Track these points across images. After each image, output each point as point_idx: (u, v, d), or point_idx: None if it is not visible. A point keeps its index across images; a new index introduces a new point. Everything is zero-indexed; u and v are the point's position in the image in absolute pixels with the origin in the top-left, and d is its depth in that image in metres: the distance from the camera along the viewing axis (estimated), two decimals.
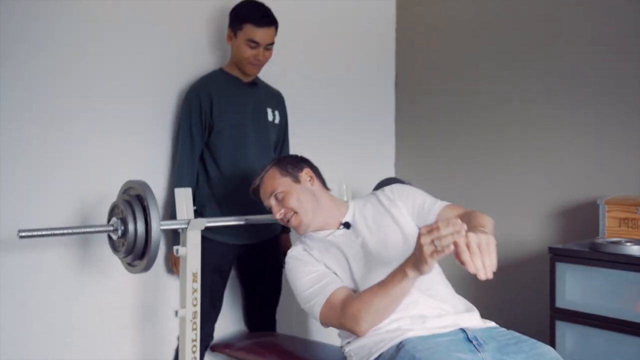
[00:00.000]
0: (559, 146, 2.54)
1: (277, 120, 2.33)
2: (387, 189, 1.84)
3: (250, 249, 2.26)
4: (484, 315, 1.65)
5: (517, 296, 2.65)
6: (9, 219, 1.87)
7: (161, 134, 2.26)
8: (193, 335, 1.81)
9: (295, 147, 2.51)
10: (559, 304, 2.11)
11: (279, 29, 2.20)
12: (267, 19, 2.14)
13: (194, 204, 2.16)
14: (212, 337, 2.25)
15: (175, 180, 2.15)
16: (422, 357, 1.37)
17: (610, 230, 2.18)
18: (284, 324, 2.44)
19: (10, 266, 1.91)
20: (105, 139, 2.11)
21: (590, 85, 2.45)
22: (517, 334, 1.54)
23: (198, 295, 1.81)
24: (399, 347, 1.45)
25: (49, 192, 1.98)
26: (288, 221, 1.75)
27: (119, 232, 1.67)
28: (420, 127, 3.08)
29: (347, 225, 1.75)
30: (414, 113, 3.11)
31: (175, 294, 1.92)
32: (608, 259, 2.00)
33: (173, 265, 2.21)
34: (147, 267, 1.68)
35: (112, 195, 1.81)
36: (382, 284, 1.47)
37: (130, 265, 1.76)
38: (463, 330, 1.50)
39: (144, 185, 1.67)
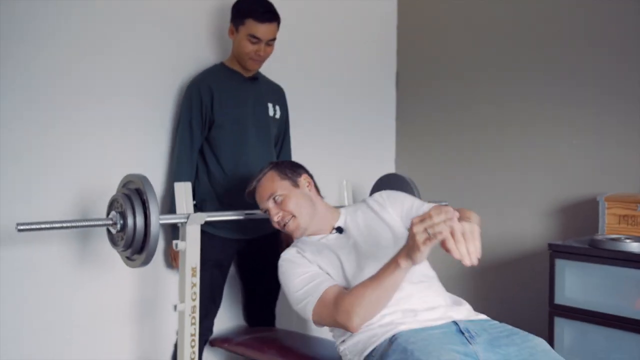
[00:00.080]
0: (559, 143, 2.54)
1: (277, 115, 2.33)
2: (377, 194, 1.89)
3: (250, 244, 2.26)
4: (483, 311, 1.65)
5: (517, 292, 2.65)
6: (9, 213, 1.87)
7: (161, 128, 2.26)
8: (192, 329, 1.81)
9: (297, 144, 2.51)
10: (558, 300, 2.11)
11: (281, 25, 2.20)
12: (269, 15, 2.12)
13: (194, 199, 2.17)
14: (211, 331, 2.25)
15: (174, 174, 2.15)
16: (414, 349, 1.38)
17: (610, 227, 2.18)
18: (283, 319, 2.44)
19: (9, 260, 1.91)
20: (105, 134, 2.11)
21: (590, 82, 2.45)
22: (509, 326, 1.55)
23: (197, 289, 1.81)
24: (392, 340, 1.46)
25: (48, 186, 1.98)
26: (284, 225, 1.77)
27: (118, 226, 1.66)
28: (421, 124, 3.08)
29: (339, 230, 1.78)
30: (414, 110, 3.11)
31: (175, 289, 1.92)
32: (607, 255, 2.00)
33: (172, 259, 2.21)
34: (146, 262, 1.68)
35: (112, 189, 1.81)
36: (374, 277, 1.48)
37: (129, 260, 1.75)
38: (455, 322, 1.52)
39: (143, 179, 1.66)
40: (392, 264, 1.44)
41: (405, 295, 1.57)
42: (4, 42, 1.87)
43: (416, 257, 1.37)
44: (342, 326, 1.53)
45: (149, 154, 2.22)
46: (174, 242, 1.81)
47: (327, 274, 1.65)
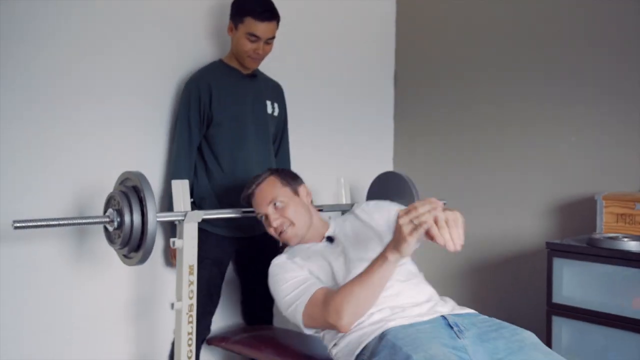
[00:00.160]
0: (557, 143, 2.54)
1: (276, 113, 2.33)
2: (364, 204, 1.96)
3: (249, 242, 2.25)
4: (481, 309, 1.65)
5: (514, 291, 2.65)
6: (6, 210, 1.87)
7: (160, 127, 2.26)
8: (189, 328, 1.81)
9: (295, 143, 2.51)
10: (556, 299, 2.10)
11: (280, 24, 2.19)
12: (269, 13, 2.12)
13: (193, 197, 2.16)
14: (209, 330, 2.25)
15: (172, 171, 2.14)
16: (402, 345, 1.39)
17: (607, 225, 2.17)
18: (281, 318, 2.43)
19: (6, 258, 1.90)
20: (105, 133, 2.11)
21: (590, 82, 2.45)
22: (497, 320, 1.56)
23: (194, 287, 1.81)
24: (381, 337, 1.47)
25: (47, 185, 1.98)
26: (281, 233, 1.79)
27: (115, 224, 1.66)
28: (419, 123, 3.08)
29: (330, 239, 1.81)
30: (413, 110, 3.11)
31: (172, 287, 1.91)
32: (605, 254, 1.99)
33: (172, 257, 2.20)
34: (143, 259, 1.68)
35: (110, 187, 1.80)
36: (363, 274, 1.51)
37: (126, 257, 1.75)
38: (444, 317, 1.53)
39: (140, 176, 1.66)
40: (380, 258, 1.46)
41: (393, 293, 1.59)
42: (4, 42, 1.87)
43: (403, 249, 1.39)
44: (333, 326, 1.54)
45: (148, 153, 2.22)
46: (172, 240, 1.80)
47: (318, 278, 1.67)
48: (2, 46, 1.86)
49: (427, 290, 1.68)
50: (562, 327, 2.10)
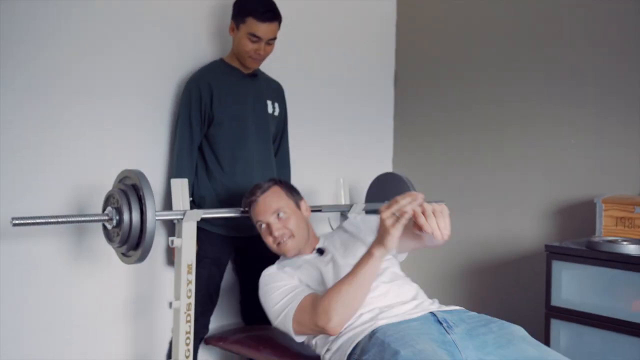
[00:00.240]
0: (557, 145, 2.54)
1: (276, 113, 2.33)
2: (352, 218, 2.09)
3: (248, 241, 2.25)
4: (480, 311, 1.66)
5: (513, 293, 2.64)
6: (5, 208, 1.86)
7: (161, 127, 2.26)
8: (187, 327, 1.80)
9: (295, 143, 2.50)
10: (555, 302, 2.10)
11: (280, 24, 2.18)
12: (271, 14, 2.11)
13: (194, 196, 2.16)
14: (207, 329, 2.24)
15: (175, 170, 2.14)
16: (391, 341, 1.41)
17: (607, 229, 2.17)
18: None
19: (4, 255, 1.90)
20: (105, 133, 2.11)
21: (589, 84, 2.45)
22: (486, 316, 1.59)
23: (192, 287, 1.80)
24: (371, 335, 1.50)
25: (47, 184, 1.98)
26: (279, 244, 1.81)
27: (114, 222, 1.65)
28: (419, 124, 3.08)
29: (320, 251, 1.85)
30: (413, 110, 3.11)
31: (171, 286, 1.91)
32: (604, 257, 1.99)
33: (174, 257, 2.20)
34: (141, 258, 1.67)
35: (109, 186, 1.80)
36: (350, 273, 1.55)
37: (124, 256, 1.74)
38: (433, 313, 1.56)
39: (139, 175, 1.65)
40: (366, 255, 1.51)
41: (381, 293, 1.63)
42: (4, 42, 1.86)
43: (387, 241, 1.44)
44: (322, 329, 1.56)
45: (148, 152, 2.22)
46: (170, 238, 1.80)
47: (307, 286, 1.71)
48: (2, 46, 1.86)
49: (413, 289, 1.72)
50: (560, 330, 2.10)
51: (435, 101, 3.00)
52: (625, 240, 2.04)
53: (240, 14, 2.13)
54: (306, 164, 2.65)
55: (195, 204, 2.16)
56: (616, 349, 1.96)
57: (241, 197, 2.11)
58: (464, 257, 2.83)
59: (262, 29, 2.11)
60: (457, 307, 1.64)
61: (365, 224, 1.94)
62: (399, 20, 3.15)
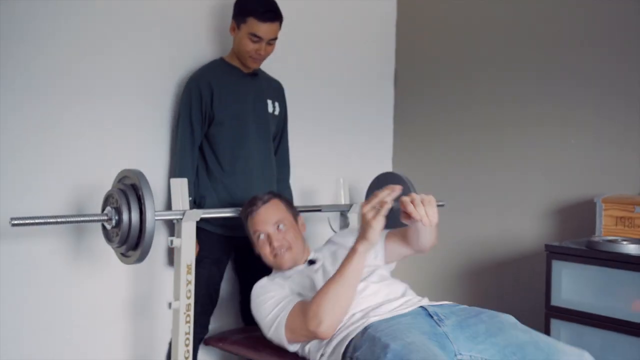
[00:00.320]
0: (557, 144, 2.54)
1: (277, 112, 2.32)
2: (340, 232, 2.17)
3: (248, 241, 2.24)
4: None
5: (513, 293, 2.64)
6: (4, 208, 1.86)
7: (161, 127, 2.25)
8: (186, 328, 1.80)
9: (295, 143, 2.50)
10: (555, 302, 2.10)
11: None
12: (272, 14, 2.11)
13: (195, 195, 2.16)
14: (207, 330, 2.24)
15: (177, 170, 2.13)
16: (382, 336, 1.43)
17: (607, 228, 2.17)
18: None
19: (3, 255, 1.89)
20: (105, 133, 2.10)
21: (589, 83, 2.44)
22: (476, 308, 1.61)
23: (192, 287, 1.80)
24: (363, 331, 1.52)
25: (47, 184, 1.98)
26: (276, 255, 1.84)
27: (113, 222, 1.65)
28: (419, 124, 3.08)
29: (311, 262, 1.88)
30: (412, 110, 3.11)
31: (171, 286, 1.91)
32: (604, 257, 1.99)
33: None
34: (141, 258, 1.67)
35: (109, 186, 1.80)
36: (336, 272, 1.58)
37: (124, 256, 1.74)
38: (423, 307, 1.59)
39: (139, 174, 1.65)
40: (350, 252, 1.54)
41: (370, 293, 1.67)
42: (4, 42, 1.86)
43: (369, 235, 1.48)
44: (314, 333, 1.57)
45: (148, 152, 2.21)
46: (169, 238, 1.80)
47: (298, 294, 1.73)
48: (2, 46, 1.86)
49: (402, 287, 1.75)
50: (560, 330, 2.10)
51: (435, 101, 3.00)
52: (625, 240, 2.04)
53: (241, 13, 2.13)
54: (306, 163, 2.64)
55: (195, 203, 2.16)
56: (616, 349, 1.96)
57: (241, 197, 2.11)
58: (464, 257, 2.83)
59: (263, 29, 2.10)
60: (447, 302, 1.67)
61: (352, 234, 1.96)
62: (399, 20, 3.15)
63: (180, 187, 1.84)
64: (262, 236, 1.85)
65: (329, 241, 2.02)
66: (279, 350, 1.98)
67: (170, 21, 2.26)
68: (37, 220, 1.57)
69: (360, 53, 2.98)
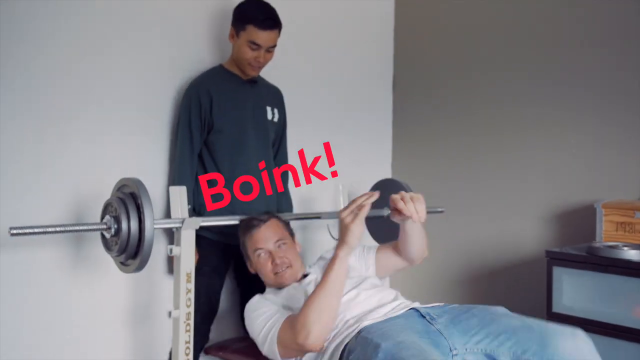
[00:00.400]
0: (557, 149, 2.54)
1: (276, 119, 2.32)
2: (329, 249, 2.02)
3: None
4: None
5: (514, 299, 2.63)
6: (3, 217, 1.85)
7: (160, 131, 2.25)
8: (186, 336, 1.79)
9: (293, 148, 2.50)
10: (556, 308, 2.10)
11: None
12: (271, 22, 2.11)
13: (194, 203, 2.15)
14: (207, 338, 2.23)
15: (176, 177, 2.13)
16: (374, 337, 1.45)
17: (607, 234, 2.17)
18: None
19: (2, 264, 1.88)
20: (104, 136, 2.10)
21: (589, 88, 2.45)
22: (468, 305, 1.63)
23: (192, 295, 1.79)
24: (357, 335, 1.53)
25: (46, 190, 1.97)
26: (277, 274, 1.85)
27: (112, 231, 1.64)
28: (418, 128, 3.07)
29: (304, 276, 1.91)
30: (411, 114, 3.11)
31: (170, 295, 1.90)
32: (605, 263, 1.99)
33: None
34: (140, 267, 1.66)
35: (108, 194, 1.79)
36: (319, 282, 1.61)
37: (123, 265, 1.73)
38: (415, 309, 1.61)
39: (137, 183, 1.64)
40: (331, 259, 1.58)
41: (363, 299, 1.69)
42: (4, 42, 1.86)
43: (349, 239, 1.52)
44: (303, 346, 1.58)
45: (147, 160, 2.21)
46: (169, 247, 1.79)
47: (289, 308, 1.74)
48: (2, 46, 1.85)
49: (393, 293, 1.78)
50: None
51: (434, 105, 3.00)
52: (626, 246, 2.04)
53: (240, 21, 2.13)
54: (305, 170, 2.64)
55: (195, 211, 2.16)
56: (618, 356, 1.95)
57: (240, 205, 2.11)
58: (464, 262, 2.83)
59: (262, 36, 2.10)
60: (438, 303, 1.69)
61: None
62: (397, 24, 3.16)
63: (180, 195, 1.83)
64: (263, 254, 1.87)
65: (320, 258, 2.05)
66: None
67: (170, 21, 2.26)
68: (36, 230, 1.56)
69: (358, 57, 2.98)
